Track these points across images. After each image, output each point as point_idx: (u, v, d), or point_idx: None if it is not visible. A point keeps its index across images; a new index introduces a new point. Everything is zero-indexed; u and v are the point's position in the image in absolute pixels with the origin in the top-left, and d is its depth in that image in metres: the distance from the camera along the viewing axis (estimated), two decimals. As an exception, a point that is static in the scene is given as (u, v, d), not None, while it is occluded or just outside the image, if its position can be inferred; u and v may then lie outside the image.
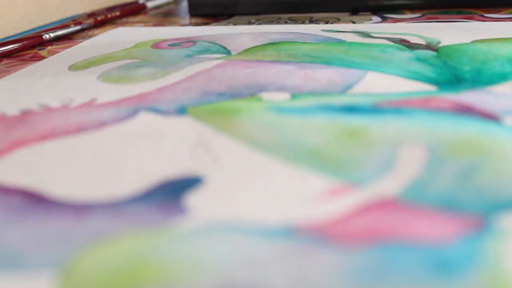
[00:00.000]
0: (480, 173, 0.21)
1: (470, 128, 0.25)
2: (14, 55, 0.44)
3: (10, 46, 0.43)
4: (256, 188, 0.21)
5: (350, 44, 0.40)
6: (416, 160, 0.22)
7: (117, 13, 0.58)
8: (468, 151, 0.23)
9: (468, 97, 0.28)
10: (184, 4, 0.66)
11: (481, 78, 0.31)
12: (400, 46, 0.38)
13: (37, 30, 0.50)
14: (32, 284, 0.16)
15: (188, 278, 0.16)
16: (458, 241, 0.17)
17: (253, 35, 0.43)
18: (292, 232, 0.18)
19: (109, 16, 0.56)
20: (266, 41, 0.42)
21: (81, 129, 0.28)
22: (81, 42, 0.47)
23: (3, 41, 0.44)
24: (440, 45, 0.38)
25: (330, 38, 0.42)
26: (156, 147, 0.25)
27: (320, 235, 0.18)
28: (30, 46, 0.45)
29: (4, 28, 0.46)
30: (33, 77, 0.37)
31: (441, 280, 0.16)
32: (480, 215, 0.18)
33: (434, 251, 0.17)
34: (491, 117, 0.26)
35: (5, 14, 0.48)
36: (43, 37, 0.46)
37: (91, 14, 0.57)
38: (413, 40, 0.40)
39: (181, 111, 0.29)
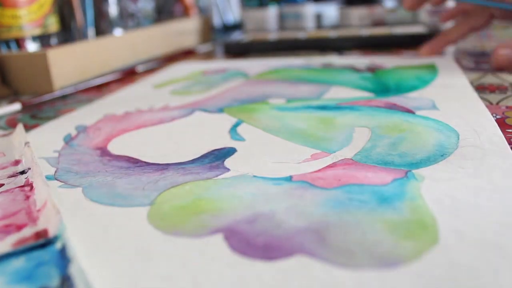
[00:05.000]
0: (403, 144, 0.20)
1: (396, 117, 0.24)
2: (120, 80, 0.43)
3: (116, 76, 0.43)
4: (268, 155, 0.21)
5: (321, 70, 0.38)
6: (364, 136, 0.22)
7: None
8: (396, 130, 0.22)
9: (394, 99, 0.27)
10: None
11: (401, 89, 0.30)
12: (351, 70, 0.37)
13: (132, 66, 0.49)
14: (135, 212, 0.16)
15: (230, 207, 0.16)
16: (391, 184, 0.17)
17: (261, 65, 0.42)
18: (290, 180, 0.18)
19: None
20: (269, 69, 0.40)
21: (160, 122, 0.27)
22: (157, 72, 0.46)
23: (113, 72, 0.44)
24: (376, 69, 0.37)
25: (309, 65, 0.40)
26: (206, 131, 0.25)
27: (308, 181, 0.18)
28: (128, 75, 0.44)
29: (111, 64, 0.45)
30: (130, 92, 0.36)
31: (382, 207, 0.15)
32: (404, 169, 0.18)
33: (377, 190, 0.16)
34: (408, 111, 0.25)
35: (115, 54, 0.47)
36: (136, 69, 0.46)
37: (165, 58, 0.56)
38: (359, 66, 0.38)
39: (220, 110, 0.28)
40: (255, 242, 0.14)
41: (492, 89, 0.28)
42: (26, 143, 0.22)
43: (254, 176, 0.18)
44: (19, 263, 0.13)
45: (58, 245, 0.13)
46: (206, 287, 0.12)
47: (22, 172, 0.20)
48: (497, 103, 0.25)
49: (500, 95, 0.27)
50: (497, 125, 0.22)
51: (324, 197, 0.16)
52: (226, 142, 0.23)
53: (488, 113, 0.23)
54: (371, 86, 0.31)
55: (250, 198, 0.16)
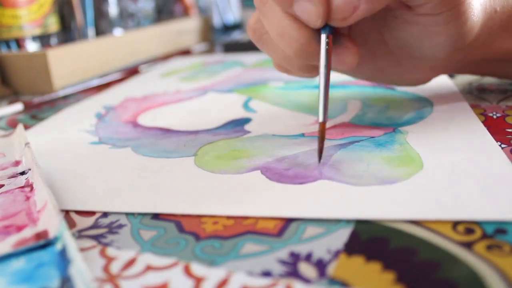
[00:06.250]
0: (389, 111, 0.24)
1: (381, 92, 0.28)
2: (121, 80, 0.44)
3: (122, 74, 0.44)
4: (279, 121, 0.24)
5: None
6: (356, 106, 0.26)
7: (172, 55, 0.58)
8: (382, 101, 0.26)
9: None
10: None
11: None
12: None
13: (136, 65, 0.50)
14: (183, 161, 0.20)
15: (260, 153, 0.20)
16: (383, 136, 0.21)
17: (256, 56, 0.45)
18: (303, 136, 0.22)
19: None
20: (264, 59, 0.43)
21: (179, 100, 0.30)
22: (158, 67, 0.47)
23: (115, 72, 0.45)
24: None
25: None
26: (222, 106, 0.28)
27: (317, 135, 0.21)
28: (133, 72, 0.45)
29: (111, 64, 0.46)
30: (140, 81, 0.38)
31: (379, 148, 0.19)
32: (391, 127, 0.22)
33: (373, 139, 0.21)
34: (388, 88, 0.29)
35: (115, 54, 0.48)
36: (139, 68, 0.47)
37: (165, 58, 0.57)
38: None
39: (230, 90, 0.32)
40: (287, 174, 0.18)
41: (492, 89, 0.28)
42: (26, 144, 0.21)
43: (273, 135, 0.22)
44: (19, 264, 0.13)
45: (58, 246, 0.13)
46: (252, 203, 0.16)
47: (22, 173, 0.19)
48: (498, 103, 0.25)
49: (500, 95, 0.26)
50: (461, 94, 0.27)
51: (333, 144, 0.20)
52: (241, 113, 0.26)
53: (454, 86, 0.28)
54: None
55: (275, 146, 0.20)
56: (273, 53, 0.21)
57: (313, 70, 0.21)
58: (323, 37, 0.18)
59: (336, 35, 0.19)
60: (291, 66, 0.21)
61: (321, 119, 0.18)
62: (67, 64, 0.39)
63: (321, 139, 0.18)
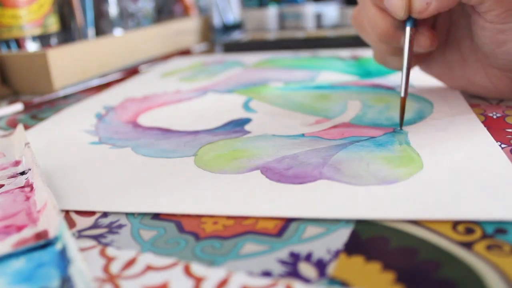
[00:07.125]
0: (389, 111, 0.24)
1: (381, 92, 0.28)
2: (121, 80, 0.44)
3: (122, 74, 0.45)
4: (279, 121, 0.24)
5: (310, 59, 0.42)
6: (356, 107, 0.26)
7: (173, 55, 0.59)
8: (382, 101, 0.26)
9: (376, 80, 0.31)
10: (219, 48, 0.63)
11: (381, 72, 0.34)
12: (337, 58, 0.41)
13: (136, 65, 0.51)
14: (182, 161, 0.20)
15: (260, 153, 0.20)
16: (383, 136, 0.21)
17: (257, 56, 0.45)
18: (303, 136, 0.22)
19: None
20: (264, 59, 0.43)
21: (179, 101, 0.30)
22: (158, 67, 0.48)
23: (115, 72, 0.45)
24: (359, 57, 0.41)
25: (300, 56, 0.43)
26: (222, 107, 0.28)
27: (317, 136, 0.22)
28: (133, 72, 0.45)
29: (111, 64, 0.46)
30: (140, 81, 0.38)
31: (379, 148, 0.19)
32: (390, 127, 0.22)
33: (374, 139, 0.21)
34: (389, 88, 0.29)
35: (115, 54, 0.49)
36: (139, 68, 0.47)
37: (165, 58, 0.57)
38: (343, 55, 0.41)
39: (230, 91, 0.32)
40: (286, 174, 0.18)
41: None
42: (26, 144, 0.21)
43: (273, 135, 0.22)
44: (19, 264, 0.13)
45: (58, 246, 0.13)
46: (252, 203, 0.16)
47: (23, 173, 0.19)
48: (498, 103, 0.25)
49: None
50: (461, 94, 0.27)
51: (333, 144, 0.20)
52: (241, 114, 0.26)
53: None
54: (355, 71, 0.36)
55: (275, 147, 0.20)
56: (367, 38, 0.26)
57: (395, 53, 0.25)
58: (408, 27, 0.23)
59: (417, 24, 0.23)
60: (378, 51, 0.26)
61: (402, 94, 0.22)
62: (67, 64, 0.39)
63: (402, 110, 0.22)
